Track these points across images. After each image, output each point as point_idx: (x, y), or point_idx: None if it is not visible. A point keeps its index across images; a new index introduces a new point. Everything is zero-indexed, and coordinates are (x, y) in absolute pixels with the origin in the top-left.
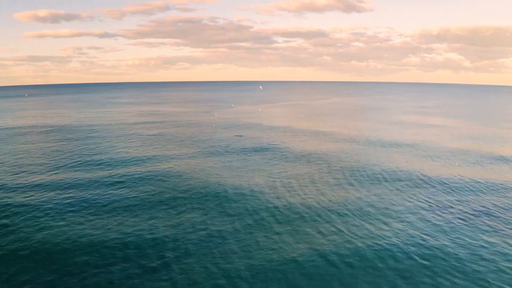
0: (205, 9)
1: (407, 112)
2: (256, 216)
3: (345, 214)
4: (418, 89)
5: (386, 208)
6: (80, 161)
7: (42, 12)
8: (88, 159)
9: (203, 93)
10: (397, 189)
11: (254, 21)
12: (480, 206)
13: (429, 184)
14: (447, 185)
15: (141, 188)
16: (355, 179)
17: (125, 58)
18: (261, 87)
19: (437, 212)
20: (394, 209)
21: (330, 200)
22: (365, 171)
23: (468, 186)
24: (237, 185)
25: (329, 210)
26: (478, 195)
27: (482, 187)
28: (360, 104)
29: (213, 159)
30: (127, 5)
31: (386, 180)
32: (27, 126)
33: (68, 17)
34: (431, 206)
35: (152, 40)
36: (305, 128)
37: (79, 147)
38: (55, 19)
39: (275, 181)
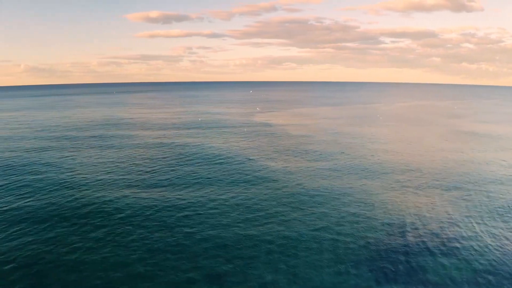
0: (311, 9)
1: None
2: None
3: None
4: None
5: None
6: None
7: (154, 13)
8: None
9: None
10: None
11: (360, 21)
12: None
13: None
14: None
15: None
16: None
17: (232, 57)
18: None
19: None
20: None
21: None
22: None
23: None
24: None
25: None
26: None
27: None
28: None
29: None
30: (235, 6)
31: None
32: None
33: (179, 18)
34: None
35: (259, 40)
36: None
37: None
38: (166, 20)
39: None
